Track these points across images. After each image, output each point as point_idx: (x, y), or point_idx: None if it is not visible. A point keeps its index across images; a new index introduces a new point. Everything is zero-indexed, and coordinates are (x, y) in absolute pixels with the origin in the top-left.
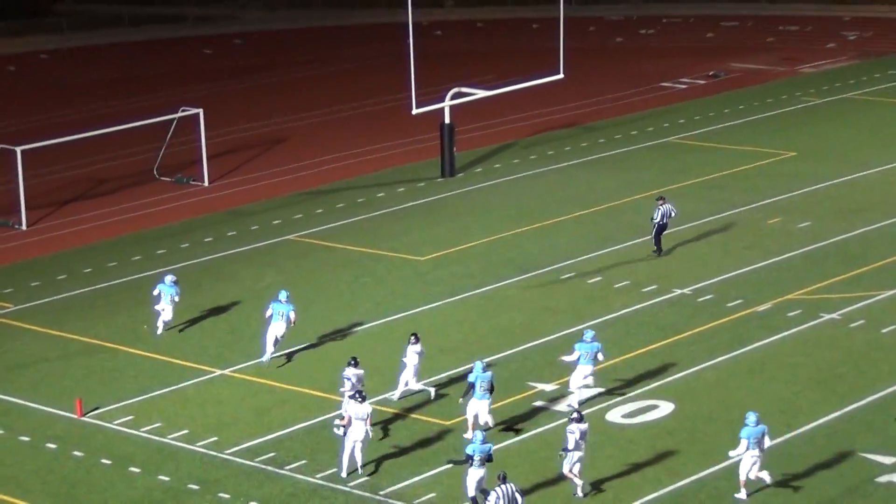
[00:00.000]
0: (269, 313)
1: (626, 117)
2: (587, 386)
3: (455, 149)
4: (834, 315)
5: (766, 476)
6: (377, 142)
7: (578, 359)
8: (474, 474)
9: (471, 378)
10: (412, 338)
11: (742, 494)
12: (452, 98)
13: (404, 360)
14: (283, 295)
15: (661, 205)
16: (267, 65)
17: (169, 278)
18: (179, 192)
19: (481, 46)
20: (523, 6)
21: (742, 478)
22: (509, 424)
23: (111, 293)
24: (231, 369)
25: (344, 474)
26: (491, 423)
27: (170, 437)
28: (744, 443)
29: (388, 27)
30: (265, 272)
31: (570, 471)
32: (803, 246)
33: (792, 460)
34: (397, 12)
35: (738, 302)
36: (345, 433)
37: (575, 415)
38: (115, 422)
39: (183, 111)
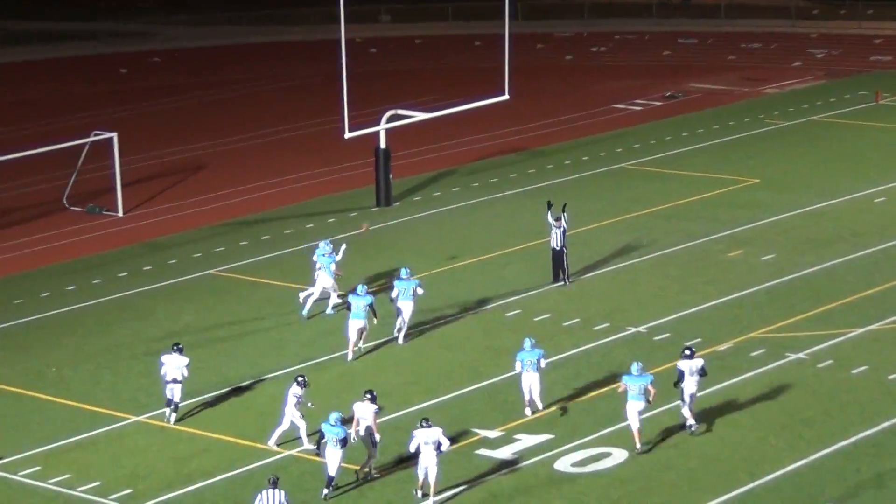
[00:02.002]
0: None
1: (577, 141)
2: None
3: (391, 176)
4: (800, 355)
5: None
6: (306, 168)
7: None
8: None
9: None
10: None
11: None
12: (388, 121)
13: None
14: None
15: (558, 227)
16: (187, 85)
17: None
18: (91, 223)
19: (420, 65)
20: (465, 22)
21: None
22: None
23: (15, 333)
24: (147, 415)
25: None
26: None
27: (80, 489)
28: (518, 364)
29: (320, 45)
30: (184, 310)
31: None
32: (767, 280)
33: None
34: (329, 28)
35: (696, 341)
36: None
37: (686, 352)
38: (20, 473)
39: (96, 135)
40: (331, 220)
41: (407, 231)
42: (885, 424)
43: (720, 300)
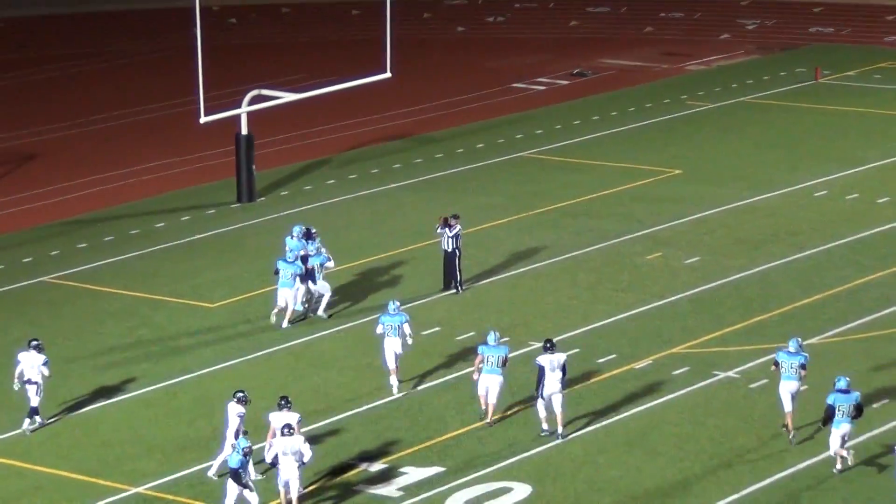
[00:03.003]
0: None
1: (470, 126)
2: None
3: (254, 167)
4: (730, 373)
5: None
6: (155, 158)
7: None
8: None
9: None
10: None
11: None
12: (251, 103)
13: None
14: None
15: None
16: (15, 62)
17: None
18: None
19: (287, 38)
20: None
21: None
22: None
23: None
24: None
25: None
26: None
27: None
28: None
29: (171, 13)
30: (13, 323)
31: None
32: (691, 287)
33: None
34: None
35: (610, 357)
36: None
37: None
38: None
39: None
40: (185, 219)
41: (272, 232)
42: (827, 454)
43: (637, 310)
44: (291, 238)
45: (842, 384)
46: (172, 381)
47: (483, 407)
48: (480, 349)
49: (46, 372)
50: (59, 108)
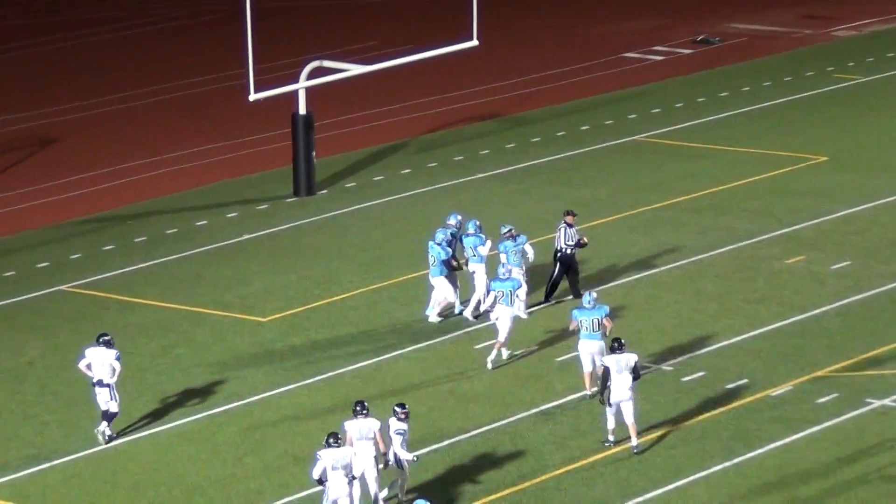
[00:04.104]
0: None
1: (573, 104)
2: None
3: (315, 154)
4: (886, 401)
5: None
6: (196, 143)
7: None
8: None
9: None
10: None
11: None
12: (310, 76)
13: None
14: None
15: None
16: (28, 28)
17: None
18: None
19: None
20: None
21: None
22: None
23: None
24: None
25: None
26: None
27: None
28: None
29: None
30: (26, 341)
31: None
32: (839, 298)
33: None
34: None
35: (741, 382)
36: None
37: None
38: None
39: None
40: (231, 215)
41: (336, 231)
42: None
43: (774, 325)
44: (468, 236)
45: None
46: (216, 411)
47: (588, 390)
48: (574, 313)
49: (118, 367)
50: (84, 83)
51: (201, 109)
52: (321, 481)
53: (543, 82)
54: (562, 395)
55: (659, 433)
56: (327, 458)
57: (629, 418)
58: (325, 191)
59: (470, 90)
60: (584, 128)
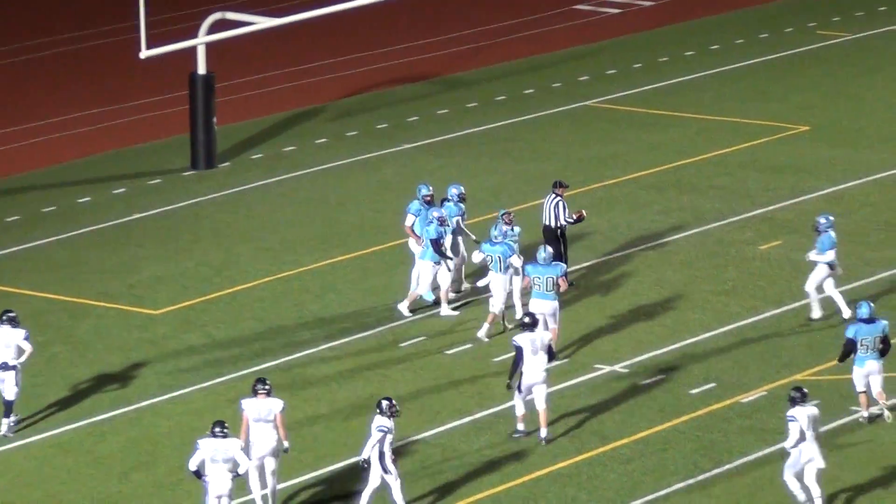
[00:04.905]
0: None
1: (516, 65)
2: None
3: (216, 120)
4: (874, 409)
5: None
6: (79, 107)
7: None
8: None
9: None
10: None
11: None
12: (211, 31)
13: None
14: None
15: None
16: None
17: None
18: None
19: None
20: None
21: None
22: None
23: None
24: None
25: None
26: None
27: None
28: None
29: None
30: None
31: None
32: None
33: None
34: None
35: (708, 387)
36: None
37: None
38: None
39: None
40: (118, 192)
41: (240, 210)
42: None
43: (746, 321)
44: (448, 202)
45: (863, 311)
46: (100, 418)
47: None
48: (527, 269)
49: (29, 348)
50: None
51: (85, 68)
52: (199, 474)
53: (481, 38)
54: (499, 400)
55: (612, 445)
56: (207, 449)
57: (541, 404)
58: (227, 163)
59: (396, 47)
60: (528, 91)
